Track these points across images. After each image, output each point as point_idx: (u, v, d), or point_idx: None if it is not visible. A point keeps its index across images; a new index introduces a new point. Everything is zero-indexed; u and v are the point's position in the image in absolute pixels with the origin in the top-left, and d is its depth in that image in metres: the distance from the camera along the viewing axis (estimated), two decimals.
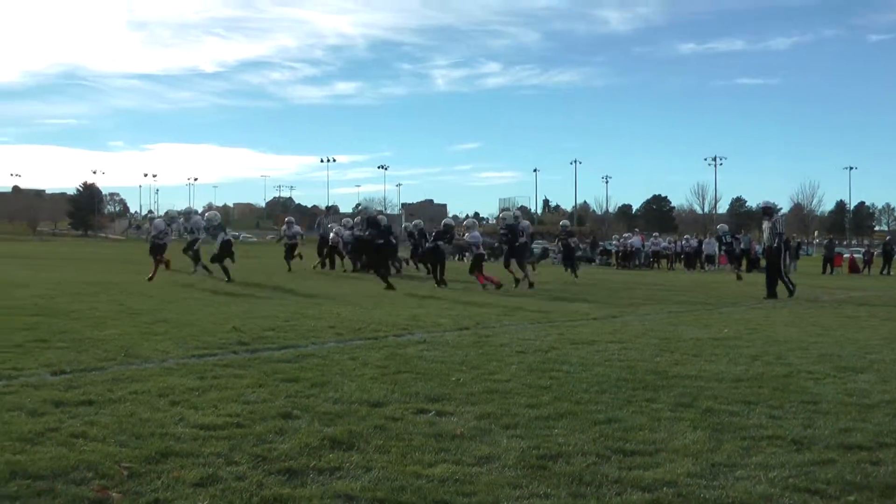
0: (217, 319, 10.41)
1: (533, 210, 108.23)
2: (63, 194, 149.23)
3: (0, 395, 5.49)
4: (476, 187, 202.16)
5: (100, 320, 10.08)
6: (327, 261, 26.85)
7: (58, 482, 3.74)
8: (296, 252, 26.08)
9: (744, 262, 34.34)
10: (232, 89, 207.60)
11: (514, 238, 19.78)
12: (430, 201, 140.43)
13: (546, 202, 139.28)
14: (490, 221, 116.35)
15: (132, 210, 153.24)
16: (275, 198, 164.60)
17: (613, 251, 44.45)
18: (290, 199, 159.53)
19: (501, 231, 20.54)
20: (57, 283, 16.46)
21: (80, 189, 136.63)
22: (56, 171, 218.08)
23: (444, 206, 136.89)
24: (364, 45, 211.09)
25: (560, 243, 27.61)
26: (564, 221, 31.23)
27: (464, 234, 22.30)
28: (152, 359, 7.24)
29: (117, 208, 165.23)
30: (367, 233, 18.29)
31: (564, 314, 12.81)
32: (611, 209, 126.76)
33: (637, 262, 39.74)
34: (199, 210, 20.51)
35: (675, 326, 11.16)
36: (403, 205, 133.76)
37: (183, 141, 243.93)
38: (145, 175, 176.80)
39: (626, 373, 7.09)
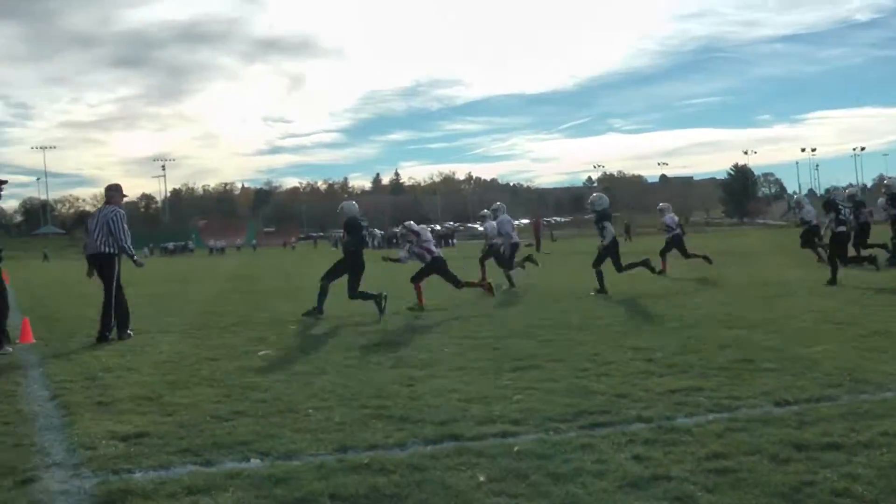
0: None
1: None
2: (712, 179, 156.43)
3: (728, 433, 5.51)
4: None
5: (802, 332, 9.96)
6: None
7: None
8: None
9: None
10: (894, 37, 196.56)
11: None
12: None
13: None
14: None
15: (790, 191, 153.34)
16: None
17: None
18: None
19: None
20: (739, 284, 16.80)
21: (731, 172, 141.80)
22: (703, 155, 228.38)
23: None
24: None
25: None
26: None
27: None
28: (887, 386, 6.80)
29: (773, 190, 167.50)
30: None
31: None
32: None
33: None
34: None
35: None
36: None
37: (840, 106, 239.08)
38: (802, 150, 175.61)
39: None
